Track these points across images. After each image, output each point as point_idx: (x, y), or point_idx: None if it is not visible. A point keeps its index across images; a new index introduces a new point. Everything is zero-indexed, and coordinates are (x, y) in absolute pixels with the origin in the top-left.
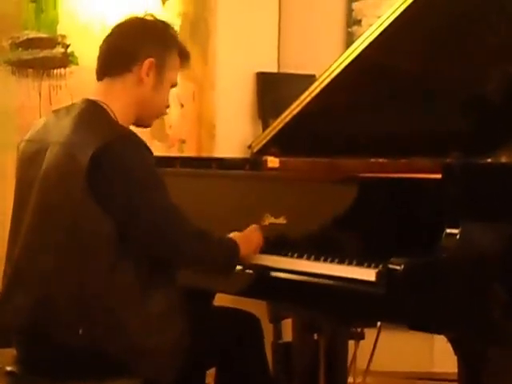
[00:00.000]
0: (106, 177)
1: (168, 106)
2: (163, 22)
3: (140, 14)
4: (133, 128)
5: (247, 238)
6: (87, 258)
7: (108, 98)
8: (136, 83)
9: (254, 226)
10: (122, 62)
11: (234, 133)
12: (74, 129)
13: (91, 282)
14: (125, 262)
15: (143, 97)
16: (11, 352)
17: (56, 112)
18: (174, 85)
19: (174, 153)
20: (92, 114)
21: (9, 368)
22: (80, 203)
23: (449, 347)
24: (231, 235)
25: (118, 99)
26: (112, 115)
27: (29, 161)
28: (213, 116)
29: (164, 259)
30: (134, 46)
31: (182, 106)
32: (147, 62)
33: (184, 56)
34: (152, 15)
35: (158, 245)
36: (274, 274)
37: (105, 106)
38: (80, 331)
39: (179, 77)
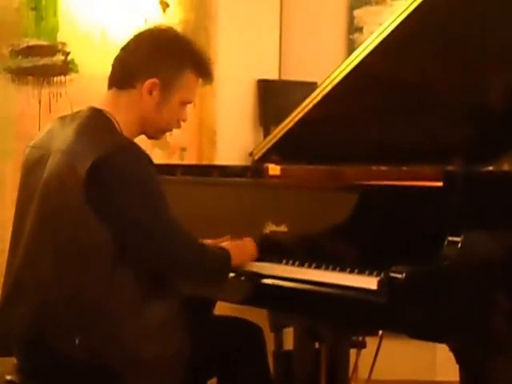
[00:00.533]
0: (104, 187)
1: (184, 121)
2: (182, 38)
3: (161, 26)
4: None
5: (241, 247)
6: (86, 267)
7: (114, 109)
8: (139, 100)
9: (248, 238)
10: (127, 77)
11: (235, 140)
12: (76, 137)
13: (89, 292)
14: (123, 272)
15: (146, 114)
16: (11, 361)
17: (61, 119)
18: (188, 102)
19: (174, 160)
20: (95, 122)
21: (9, 377)
22: (78, 213)
23: (451, 356)
24: (224, 244)
25: (123, 111)
26: (117, 126)
27: (32, 167)
28: (214, 123)
29: (160, 271)
30: (140, 64)
31: None
32: (148, 83)
33: (203, 72)
34: (173, 29)
35: (153, 257)
36: (274, 282)
37: (110, 116)
38: (77, 340)
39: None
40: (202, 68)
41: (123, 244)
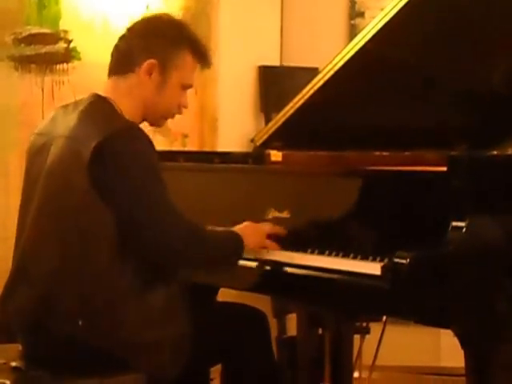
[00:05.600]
0: (107, 170)
1: (185, 107)
2: (177, 21)
3: (156, 13)
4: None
5: (250, 229)
6: (88, 251)
7: (115, 96)
8: (138, 83)
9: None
10: (125, 62)
11: (237, 127)
12: (79, 122)
13: (92, 275)
14: (126, 256)
15: (147, 98)
16: (16, 347)
17: (65, 106)
18: (187, 85)
19: (176, 147)
20: (98, 108)
21: (14, 363)
22: (82, 197)
23: (456, 341)
24: (234, 228)
25: (124, 98)
26: (119, 112)
27: (36, 154)
28: (215, 110)
29: (160, 254)
30: (136, 47)
31: None
32: (146, 64)
33: (199, 55)
34: (168, 14)
35: (153, 239)
36: (277, 268)
37: (112, 102)
38: (80, 323)
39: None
40: (198, 49)
41: (125, 226)
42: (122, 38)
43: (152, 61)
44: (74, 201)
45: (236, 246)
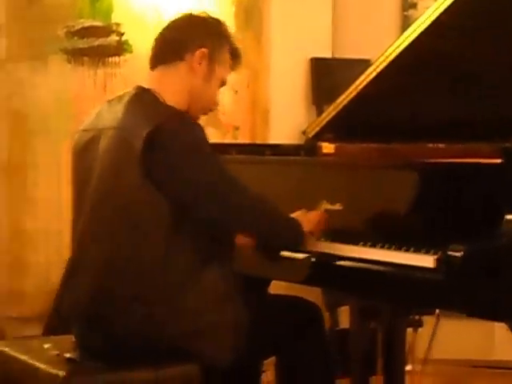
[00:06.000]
0: (160, 158)
1: (217, 104)
2: (218, 19)
3: (195, 11)
4: None
5: (307, 216)
6: (143, 239)
7: (160, 87)
8: (188, 71)
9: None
10: (175, 50)
11: (289, 119)
12: (127, 113)
13: (147, 263)
14: (180, 242)
15: (194, 86)
16: (69, 339)
17: (109, 101)
18: (223, 82)
19: (228, 139)
20: (143, 98)
21: (67, 355)
22: (135, 185)
23: (510, 335)
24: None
25: (170, 87)
26: (163, 102)
27: (84, 150)
28: (267, 102)
29: (226, 230)
30: (188, 36)
31: (236, 92)
32: (200, 51)
33: (235, 55)
34: (206, 13)
35: (219, 213)
36: (330, 260)
37: (156, 94)
38: (136, 311)
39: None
40: (236, 51)
41: (183, 208)
42: (167, 29)
43: (204, 50)
44: (126, 189)
45: (297, 226)
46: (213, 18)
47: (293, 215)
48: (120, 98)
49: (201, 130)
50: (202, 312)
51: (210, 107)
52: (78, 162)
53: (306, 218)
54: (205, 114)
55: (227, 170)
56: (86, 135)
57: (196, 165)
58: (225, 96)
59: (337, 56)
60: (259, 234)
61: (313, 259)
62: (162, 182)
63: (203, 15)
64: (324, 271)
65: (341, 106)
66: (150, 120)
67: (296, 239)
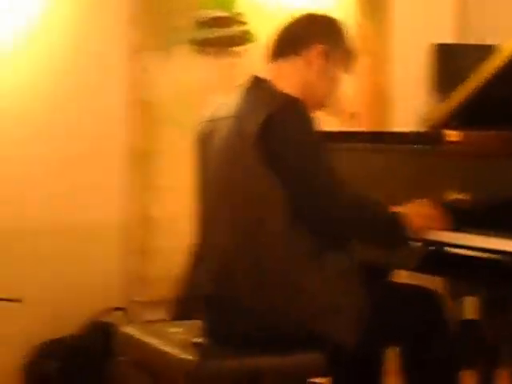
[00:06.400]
0: (271, 145)
1: (330, 101)
2: (338, 20)
3: (317, 10)
4: None
5: (419, 210)
6: (262, 224)
7: (276, 78)
8: (304, 66)
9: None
10: (294, 45)
11: (410, 106)
12: (243, 102)
13: (268, 249)
14: (299, 227)
15: (309, 80)
16: (197, 324)
17: (227, 92)
18: (336, 82)
19: (347, 127)
20: (259, 87)
21: (195, 339)
22: (252, 172)
23: None
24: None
25: (286, 79)
26: (279, 89)
27: (206, 139)
28: (389, 89)
29: (322, 226)
30: (307, 32)
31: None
32: (317, 47)
33: (350, 58)
34: (326, 13)
35: (316, 212)
36: (455, 250)
37: (271, 84)
38: (260, 296)
39: None
40: (350, 53)
41: (295, 194)
42: (289, 25)
43: (323, 46)
44: (244, 176)
45: (397, 223)
46: (333, 19)
47: (406, 208)
48: (236, 88)
49: (311, 119)
50: (325, 294)
51: (321, 103)
52: (200, 151)
53: (418, 213)
54: (319, 108)
55: (328, 162)
56: (208, 126)
57: (299, 155)
58: (345, 83)
59: (461, 41)
60: (357, 238)
61: (431, 247)
62: (275, 166)
63: (324, 15)
64: (450, 261)
65: (466, 93)
66: (265, 107)
67: (396, 240)
